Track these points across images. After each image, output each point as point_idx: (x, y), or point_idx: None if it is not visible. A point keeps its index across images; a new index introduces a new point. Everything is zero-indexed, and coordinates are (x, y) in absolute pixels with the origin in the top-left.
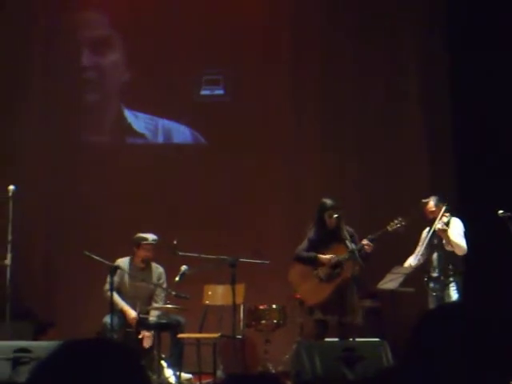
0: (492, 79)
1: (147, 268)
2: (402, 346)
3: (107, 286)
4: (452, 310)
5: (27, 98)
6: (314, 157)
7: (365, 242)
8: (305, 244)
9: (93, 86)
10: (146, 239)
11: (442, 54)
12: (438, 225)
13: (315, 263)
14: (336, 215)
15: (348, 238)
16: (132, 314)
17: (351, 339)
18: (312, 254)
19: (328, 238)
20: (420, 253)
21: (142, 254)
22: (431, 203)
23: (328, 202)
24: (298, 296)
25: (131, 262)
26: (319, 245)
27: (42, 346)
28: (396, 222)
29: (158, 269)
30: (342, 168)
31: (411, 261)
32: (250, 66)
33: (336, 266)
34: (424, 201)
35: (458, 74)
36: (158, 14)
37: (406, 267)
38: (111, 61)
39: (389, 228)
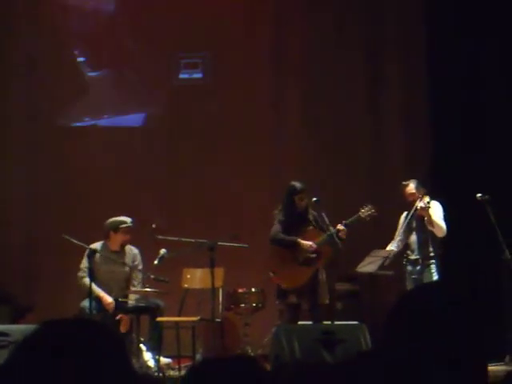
0: (470, 64)
1: (121, 251)
2: (381, 329)
3: (80, 273)
4: (430, 290)
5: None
6: (293, 143)
7: (340, 227)
8: (278, 226)
9: (72, 70)
10: (125, 222)
11: (420, 43)
12: (420, 203)
13: (294, 247)
14: (315, 199)
15: (316, 222)
16: (108, 299)
17: (330, 322)
18: (293, 238)
19: (297, 220)
20: (399, 238)
21: (120, 238)
22: (411, 185)
23: (297, 184)
24: (275, 279)
25: (104, 247)
26: (290, 227)
27: (20, 330)
28: (367, 208)
29: (132, 250)
30: (319, 154)
31: (391, 247)
32: (229, 49)
33: (314, 250)
34: (404, 183)
35: (435, 60)
36: None
37: (385, 250)
38: (90, 45)
39: (361, 214)
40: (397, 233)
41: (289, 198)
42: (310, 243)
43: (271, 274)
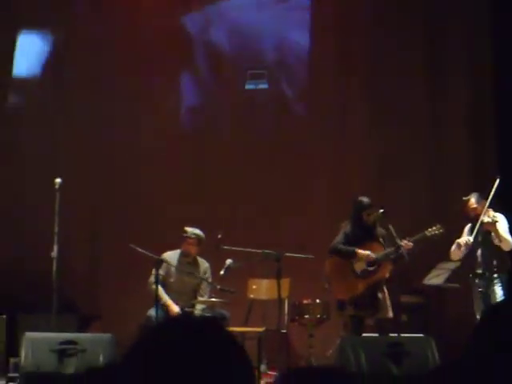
0: None
1: (194, 262)
2: (448, 342)
3: (152, 279)
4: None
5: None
6: (356, 155)
7: (404, 242)
8: (341, 237)
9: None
10: (185, 232)
11: (486, 59)
12: (487, 218)
13: (353, 257)
14: (381, 210)
15: (383, 236)
16: (175, 308)
17: (396, 335)
18: (351, 248)
19: (363, 235)
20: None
21: (184, 247)
22: (472, 200)
23: (365, 200)
24: (330, 289)
25: (180, 256)
26: (354, 241)
27: (88, 338)
28: (434, 228)
29: (204, 263)
30: (386, 166)
31: (467, 238)
32: (295, 60)
33: (372, 263)
34: (464, 198)
35: (502, 76)
36: (204, 9)
37: (451, 263)
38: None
39: (427, 233)
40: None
41: (357, 214)
42: (367, 252)
43: (326, 285)
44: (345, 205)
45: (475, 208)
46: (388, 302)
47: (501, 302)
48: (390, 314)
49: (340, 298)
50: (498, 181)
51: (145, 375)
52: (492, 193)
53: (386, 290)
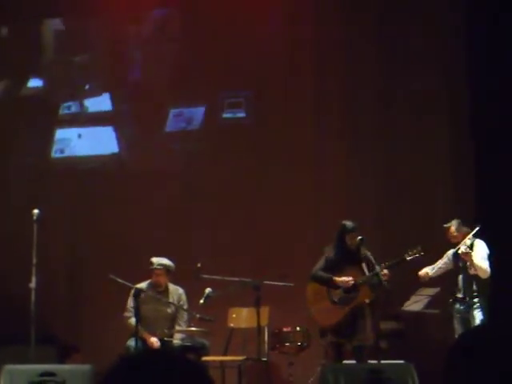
0: None
1: (165, 290)
2: (427, 368)
3: (127, 313)
4: (486, 334)
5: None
6: (337, 179)
7: (384, 271)
8: (322, 263)
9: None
10: (151, 263)
11: (465, 72)
12: (462, 248)
13: (330, 285)
14: (360, 237)
15: (365, 261)
16: (151, 339)
17: (376, 362)
18: (328, 275)
19: (345, 259)
20: (438, 266)
21: (152, 278)
22: (452, 228)
23: (348, 223)
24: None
25: (150, 286)
26: (336, 265)
27: (67, 370)
28: (415, 251)
29: (177, 290)
30: (365, 190)
31: (428, 269)
32: (271, 88)
33: (351, 289)
34: (445, 226)
35: (480, 86)
36: (182, 36)
37: (430, 289)
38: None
39: (406, 257)
40: (437, 262)
41: (340, 237)
42: (345, 279)
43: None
44: (325, 230)
45: (455, 236)
46: (369, 329)
47: (476, 326)
48: (370, 341)
49: (320, 326)
50: (477, 228)
51: None
52: (469, 236)
53: (368, 316)
